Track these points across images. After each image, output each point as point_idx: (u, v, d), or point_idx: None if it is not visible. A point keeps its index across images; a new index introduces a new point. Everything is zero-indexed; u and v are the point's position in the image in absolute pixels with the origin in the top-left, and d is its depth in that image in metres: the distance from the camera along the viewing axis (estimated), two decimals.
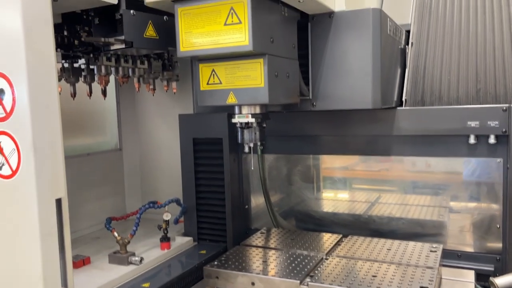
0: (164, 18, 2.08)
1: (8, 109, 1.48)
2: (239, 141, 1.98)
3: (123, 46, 1.97)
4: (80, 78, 2.80)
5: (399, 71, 2.46)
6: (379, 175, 2.61)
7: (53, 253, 1.55)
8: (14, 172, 1.51)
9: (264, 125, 1.97)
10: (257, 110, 1.88)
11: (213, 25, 1.62)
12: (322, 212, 2.76)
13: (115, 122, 3.45)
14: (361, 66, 2.00)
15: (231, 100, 1.79)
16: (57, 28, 2.18)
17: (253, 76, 1.74)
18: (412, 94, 2.45)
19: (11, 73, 1.46)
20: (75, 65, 2.76)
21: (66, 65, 2.71)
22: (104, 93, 2.86)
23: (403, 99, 2.43)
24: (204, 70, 1.83)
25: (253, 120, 1.87)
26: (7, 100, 1.48)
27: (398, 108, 2.38)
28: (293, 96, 1.95)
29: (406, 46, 2.59)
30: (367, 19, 1.96)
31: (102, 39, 1.96)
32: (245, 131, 1.93)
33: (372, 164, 2.61)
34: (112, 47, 2.02)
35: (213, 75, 1.81)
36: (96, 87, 2.84)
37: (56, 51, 2.14)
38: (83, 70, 2.78)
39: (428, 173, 2.44)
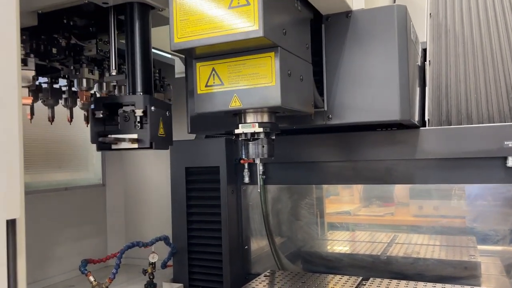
0: None
1: None
2: (243, 157, 1.65)
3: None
4: (60, 101, 2.50)
5: (418, 89, 2.21)
6: (399, 211, 2.29)
7: None
8: None
9: (273, 137, 1.65)
10: (265, 118, 1.57)
11: (214, 8, 1.35)
12: (334, 252, 2.39)
13: (99, 154, 3.12)
14: (385, 71, 1.73)
15: (235, 104, 1.48)
16: (32, 32, 1.91)
17: (262, 74, 1.44)
18: (435, 113, 2.22)
19: None
20: (55, 85, 2.47)
21: (44, 85, 2.42)
22: (87, 119, 2.56)
23: (426, 118, 2.17)
24: (203, 70, 1.53)
25: (260, 129, 1.56)
26: None
27: (422, 128, 2.09)
28: (307, 104, 1.65)
29: (424, 63, 2.37)
30: (391, 17, 1.71)
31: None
32: (250, 144, 1.61)
33: (391, 196, 2.29)
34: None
35: (213, 75, 1.51)
36: (78, 112, 2.54)
37: (29, 56, 1.86)
38: (63, 92, 2.49)
39: (458, 203, 2.12)
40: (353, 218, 2.44)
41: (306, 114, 1.75)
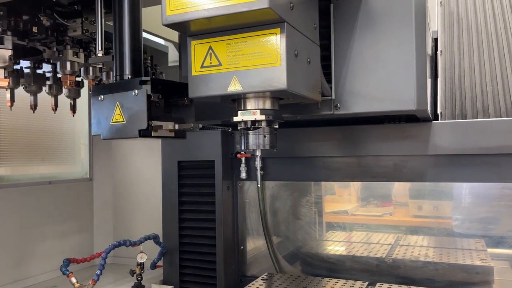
0: None
1: None
2: (242, 148, 1.49)
3: None
4: (44, 88, 2.34)
5: (429, 80, 2.06)
6: (407, 210, 2.14)
7: None
8: None
9: (276, 126, 1.49)
10: (267, 104, 1.41)
11: None
12: (336, 254, 2.24)
13: (86, 146, 2.94)
14: (401, 57, 1.57)
15: (234, 87, 1.32)
16: (11, 8, 1.73)
17: (265, 53, 1.28)
18: (448, 106, 2.09)
19: None
20: (39, 71, 2.30)
21: (27, 70, 2.25)
22: (73, 108, 2.40)
23: (438, 111, 2.02)
24: (198, 49, 1.36)
25: (262, 117, 1.39)
26: None
27: (434, 122, 1.94)
28: (315, 90, 1.49)
29: (435, 53, 2.23)
30: None
31: None
32: (250, 134, 1.44)
33: (399, 194, 2.14)
34: None
35: (210, 54, 1.34)
36: (64, 102, 2.37)
37: (6, 34, 1.68)
38: (48, 78, 2.32)
39: (474, 203, 1.97)
40: (354, 218, 2.29)
41: (312, 102, 1.59)
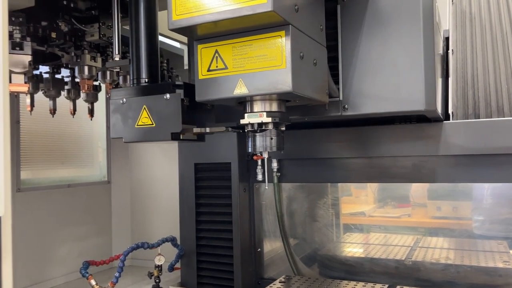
0: None
1: None
2: (249, 150, 1.50)
3: None
4: (62, 93, 2.37)
5: (440, 79, 2.03)
6: (425, 211, 2.10)
7: None
8: None
9: (283, 128, 1.49)
10: (274, 106, 1.42)
11: None
12: (355, 256, 2.21)
13: (104, 149, 2.97)
14: (408, 57, 1.55)
15: (240, 90, 1.32)
16: (30, 14, 1.75)
17: (270, 56, 1.28)
18: (460, 106, 2.06)
19: None
20: (57, 76, 2.33)
21: (46, 75, 2.29)
22: (91, 112, 2.42)
23: (450, 111, 1.99)
24: (205, 53, 1.37)
25: (268, 119, 1.40)
26: None
27: (445, 122, 1.91)
28: (321, 91, 1.48)
29: (447, 52, 2.20)
30: None
31: None
32: (257, 136, 1.44)
33: (417, 195, 2.11)
34: None
35: (216, 57, 1.35)
36: (82, 106, 2.40)
37: (25, 40, 1.71)
38: (66, 83, 2.35)
39: (495, 204, 1.93)
40: (372, 220, 2.26)
41: (320, 104, 1.59)
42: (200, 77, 1.39)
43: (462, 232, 2.04)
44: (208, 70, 1.37)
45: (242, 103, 1.47)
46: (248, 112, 1.44)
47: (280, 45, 1.27)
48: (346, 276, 2.20)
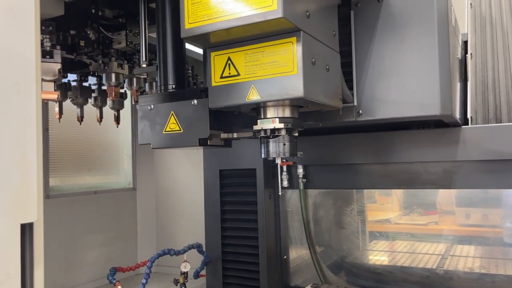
0: None
1: None
2: (262, 155, 1.49)
3: None
4: (89, 100, 2.40)
5: (458, 84, 1.98)
6: (454, 219, 2.04)
7: None
8: None
9: (296, 134, 1.48)
10: (286, 112, 1.41)
11: None
12: (383, 264, 2.16)
13: (129, 156, 3.00)
14: (423, 62, 1.52)
15: (253, 96, 1.32)
16: (59, 23, 1.79)
17: (282, 62, 1.28)
18: (479, 110, 2.01)
19: None
20: (85, 84, 2.37)
21: (73, 83, 2.33)
22: (117, 119, 2.45)
23: (468, 116, 1.94)
24: (217, 60, 1.37)
25: (281, 125, 1.39)
26: None
27: (464, 126, 1.86)
28: (335, 97, 1.47)
29: (465, 56, 2.15)
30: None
31: None
32: (270, 142, 1.43)
33: (444, 202, 2.05)
34: None
35: (229, 65, 1.35)
36: (108, 113, 2.43)
37: (55, 48, 1.74)
38: (93, 91, 2.39)
39: None
40: (398, 227, 2.21)
41: (333, 109, 1.57)
42: (213, 84, 1.40)
43: (493, 240, 1.97)
44: (221, 77, 1.38)
45: (256, 109, 1.47)
46: (261, 118, 1.44)
47: (292, 51, 1.27)
48: (376, 284, 2.15)
